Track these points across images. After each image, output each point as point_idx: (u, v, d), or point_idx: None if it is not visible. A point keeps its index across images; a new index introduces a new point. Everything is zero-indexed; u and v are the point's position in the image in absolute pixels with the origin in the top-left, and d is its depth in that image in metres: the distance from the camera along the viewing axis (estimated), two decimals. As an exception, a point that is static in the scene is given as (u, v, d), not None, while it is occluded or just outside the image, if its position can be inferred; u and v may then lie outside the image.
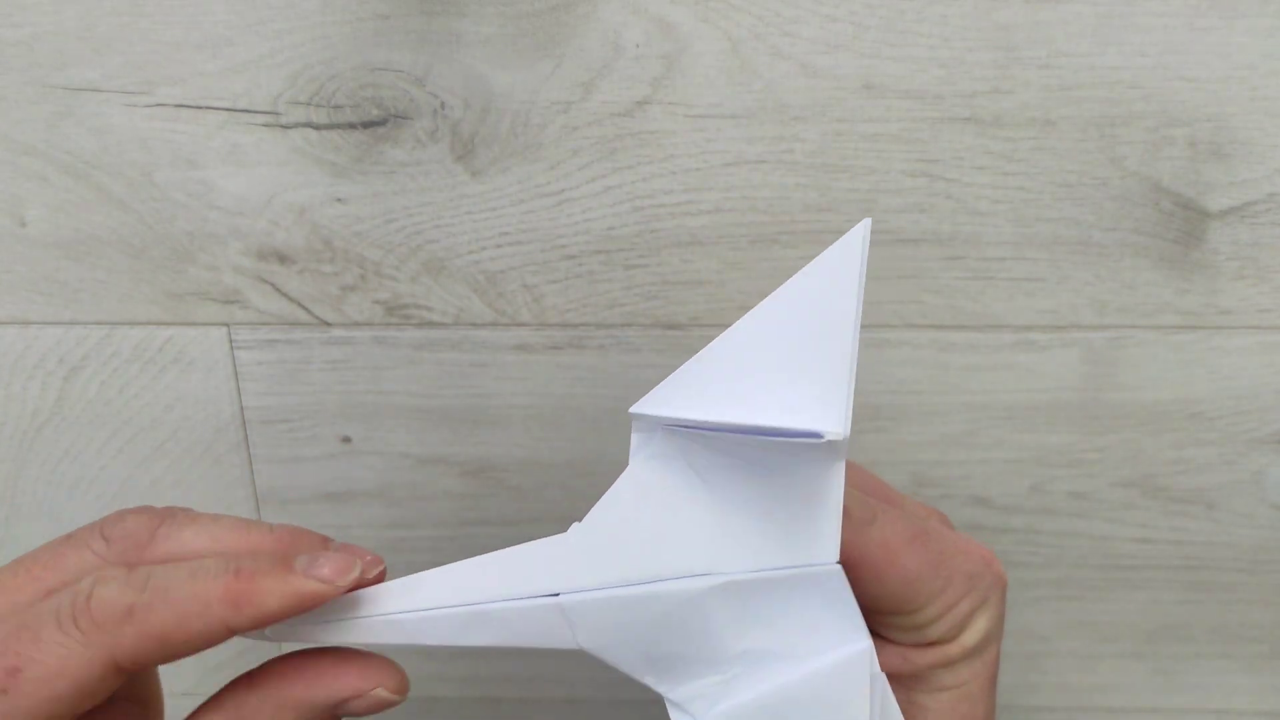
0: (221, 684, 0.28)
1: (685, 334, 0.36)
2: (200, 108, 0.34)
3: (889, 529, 0.26)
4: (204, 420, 0.38)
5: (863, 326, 0.36)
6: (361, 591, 0.25)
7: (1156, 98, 0.33)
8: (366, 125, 0.34)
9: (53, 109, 0.34)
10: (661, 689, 0.25)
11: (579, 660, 0.26)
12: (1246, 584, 0.40)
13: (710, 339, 0.36)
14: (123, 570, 0.23)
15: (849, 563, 0.25)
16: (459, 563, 0.25)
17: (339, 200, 0.35)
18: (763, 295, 0.35)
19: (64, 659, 0.22)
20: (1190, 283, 0.35)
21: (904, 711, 0.27)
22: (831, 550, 0.24)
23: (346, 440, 0.38)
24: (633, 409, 0.24)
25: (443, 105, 0.33)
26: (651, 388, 0.38)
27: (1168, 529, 0.39)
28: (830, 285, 0.23)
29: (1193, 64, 0.32)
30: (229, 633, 0.23)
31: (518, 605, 0.25)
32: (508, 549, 0.25)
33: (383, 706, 0.26)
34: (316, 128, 0.34)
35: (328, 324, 0.37)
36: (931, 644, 0.27)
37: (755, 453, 0.24)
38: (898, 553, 0.26)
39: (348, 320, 0.37)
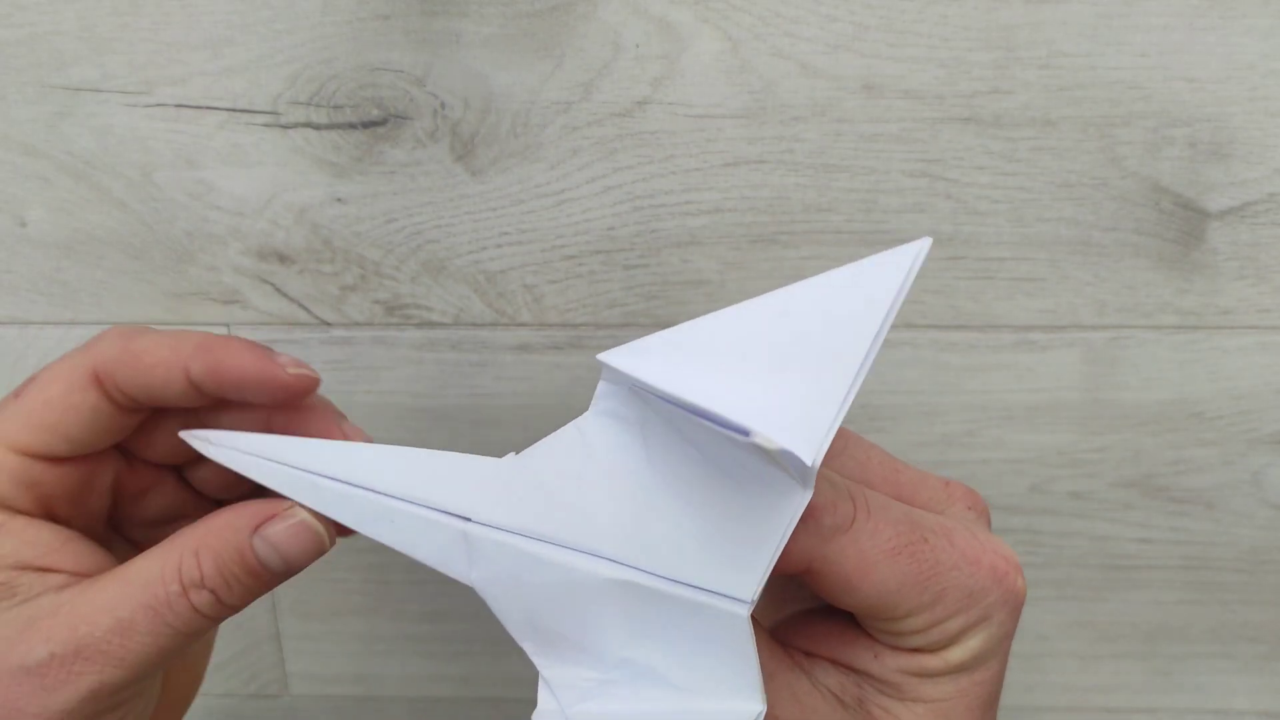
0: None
1: (685, 334, 0.36)
2: (200, 108, 0.34)
3: (867, 540, 0.23)
4: (204, 420, 0.38)
5: (863, 326, 0.36)
6: (300, 440, 0.25)
7: (1156, 98, 0.33)
8: (366, 125, 0.34)
9: (53, 109, 0.34)
10: (538, 661, 0.24)
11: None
12: (1246, 584, 0.40)
13: (710, 339, 0.36)
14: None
15: (814, 571, 0.23)
16: (400, 448, 0.25)
17: (339, 200, 0.35)
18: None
19: (59, 367, 0.25)
20: (1190, 283, 0.35)
21: (872, 715, 0.25)
22: (749, 589, 0.22)
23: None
24: (602, 356, 0.22)
25: (443, 105, 0.33)
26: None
27: (1168, 529, 0.39)
28: (863, 294, 0.21)
29: (1193, 64, 0.32)
30: (187, 378, 0.25)
31: (428, 515, 0.24)
32: (445, 452, 0.24)
33: (309, 536, 0.25)
34: (316, 128, 0.34)
35: (328, 324, 0.37)
36: (912, 650, 0.25)
37: (717, 448, 0.22)
38: (874, 565, 0.23)
39: (348, 320, 0.37)
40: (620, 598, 0.23)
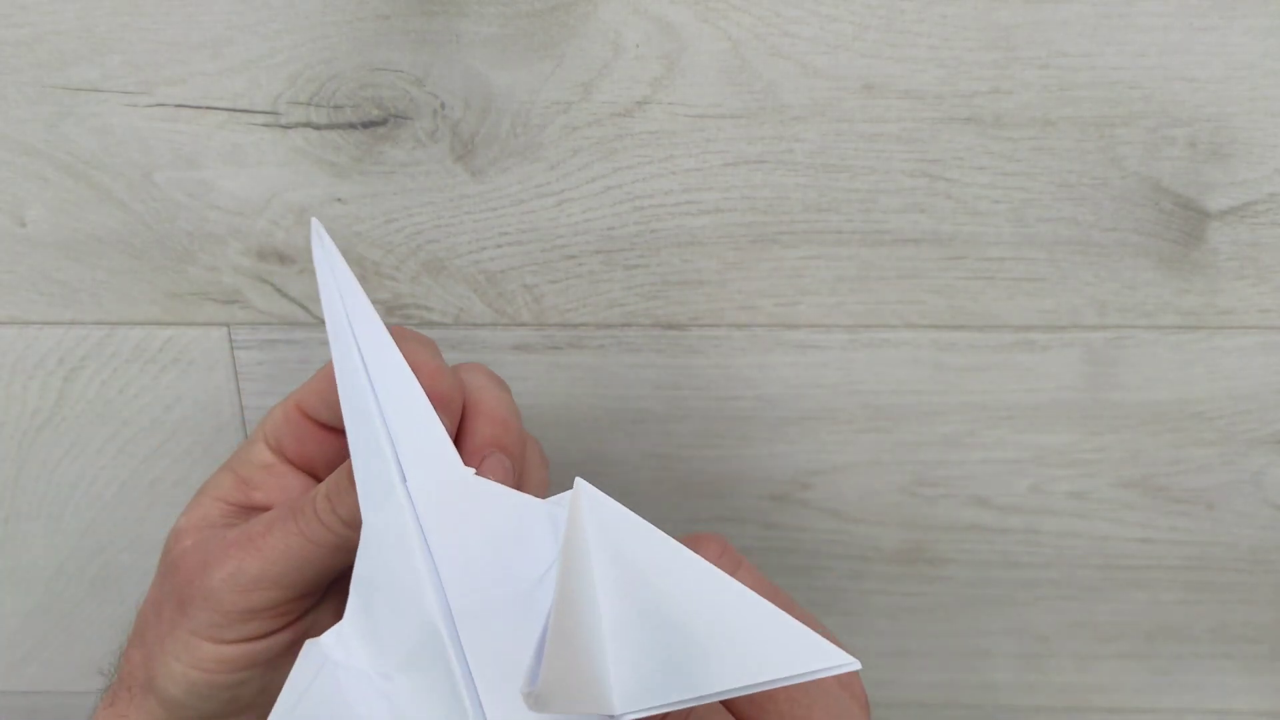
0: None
1: (685, 334, 0.36)
2: (200, 108, 0.34)
3: None
4: (204, 420, 0.38)
5: (863, 326, 0.36)
6: (373, 315, 0.27)
7: (1156, 98, 0.33)
8: (366, 125, 0.34)
9: (53, 109, 0.34)
10: (349, 614, 0.26)
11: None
12: (1246, 584, 0.40)
13: (710, 339, 0.36)
14: None
15: None
16: (422, 395, 0.26)
17: (339, 200, 0.35)
18: (762, 295, 0.36)
19: None
20: (1190, 283, 0.35)
21: None
22: None
23: (346, 440, 0.39)
24: (580, 482, 0.24)
25: (443, 105, 0.33)
26: (651, 388, 0.38)
27: (1168, 529, 0.39)
28: (771, 654, 0.22)
29: (1193, 64, 0.32)
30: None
31: (387, 448, 0.25)
32: (443, 429, 0.26)
33: None
34: (316, 128, 0.34)
35: (328, 324, 0.37)
36: None
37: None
38: None
39: (348, 320, 0.37)
40: (425, 638, 0.24)
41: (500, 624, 0.24)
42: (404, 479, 0.25)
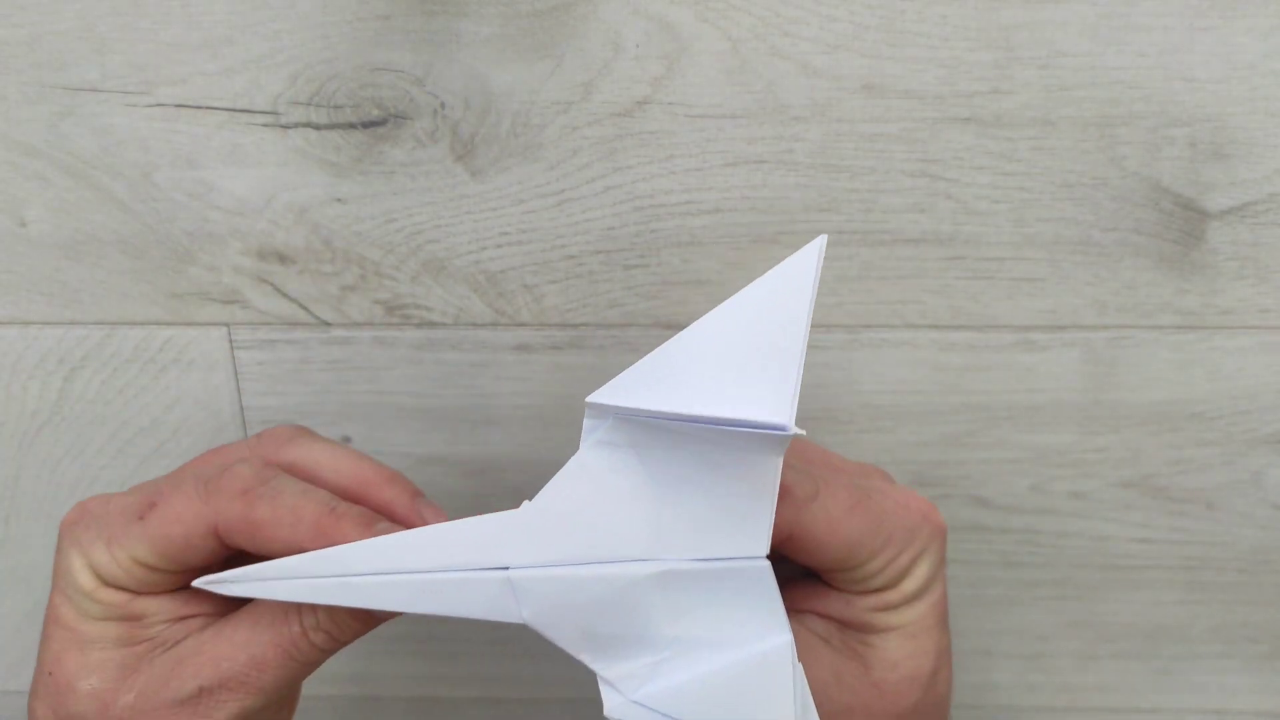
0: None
1: (685, 334, 0.36)
2: (200, 108, 0.34)
3: (831, 501, 0.28)
4: (204, 420, 0.38)
5: (863, 326, 0.36)
6: (318, 552, 0.26)
7: (1156, 98, 0.33)
8: (366, 125, 0.34)
9: (53, 109, 0.34)
10: (596, 667, 0.26)
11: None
12: (1246, 584, 0.40)
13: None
14: (260, 462, 0.29)
15: (794, 537, 0.27)
16: (415, 530, 0.26)
17: (339, 200, 0.35)
18: (763, 295, 0.36)
19: (184, 508, 0.28)
20: (1190, 283, 0.35)
21: (856, 652, 0.29)
22: (762, 545, 0.26)
23: (347, 440, 0.39)
24: (590, 398, 0.25)
25: (443, 105, 0.33)
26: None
27: (1168, 529, 0.39)
28: (785, 291, 0.26)
29: (1193, 64, 0.32)
30: (300, 552, 0.27)
31: (470, 576, 0.26)
32: (462, 520, 0.26)
33: None
34: (316, 128, 0.34)
35: (328, 324, 0.37)
36: (875, 591, 0.29)
37: (700, 446, 0.25)
38: (839, 523, 0.28)
39: (348, 320, 0.37)
40: (659, 587, 0.26)
41: (667, 524, 0.26)
42: (506, 568, 0.26)
